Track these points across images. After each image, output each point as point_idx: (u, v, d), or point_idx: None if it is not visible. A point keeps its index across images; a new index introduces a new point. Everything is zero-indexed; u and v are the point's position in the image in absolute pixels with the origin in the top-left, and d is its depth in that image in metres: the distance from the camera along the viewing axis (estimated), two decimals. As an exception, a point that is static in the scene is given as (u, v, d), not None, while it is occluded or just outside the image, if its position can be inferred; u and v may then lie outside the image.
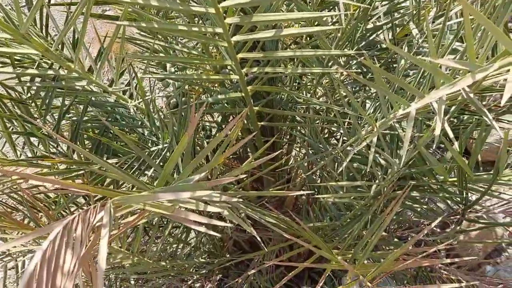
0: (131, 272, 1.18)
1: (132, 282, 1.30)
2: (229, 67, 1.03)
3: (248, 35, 0.81)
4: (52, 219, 0.75)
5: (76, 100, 1.07)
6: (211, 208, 0.55)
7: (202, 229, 0.52)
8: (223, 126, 1.45)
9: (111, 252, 0.93)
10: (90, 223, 0.52)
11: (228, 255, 1.46)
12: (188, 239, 1.29)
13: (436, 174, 1.01)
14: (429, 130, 0.80)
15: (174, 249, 1.20)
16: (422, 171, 1.00)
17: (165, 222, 1.26)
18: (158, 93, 1.16)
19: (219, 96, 1.07)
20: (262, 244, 1.60)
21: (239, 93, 1.06)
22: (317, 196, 1.03)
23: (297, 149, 1.45)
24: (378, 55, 1.41)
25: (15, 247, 1.07)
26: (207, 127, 1.45)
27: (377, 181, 0.97)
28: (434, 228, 1.60)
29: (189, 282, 1.50)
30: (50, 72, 0.92)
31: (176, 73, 1.09)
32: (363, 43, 1.26)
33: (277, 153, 0.95)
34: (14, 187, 0.80)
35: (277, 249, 1.35)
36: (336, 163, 1.13)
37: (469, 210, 1.14)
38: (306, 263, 0.94)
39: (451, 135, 0.66)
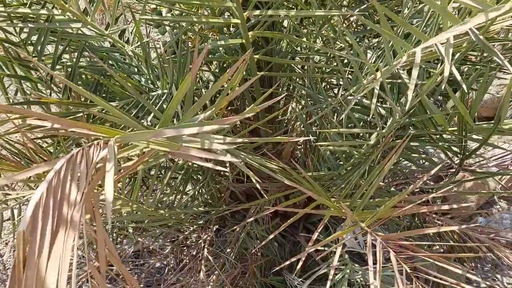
0: (129, 220, 1.18)
1: (130, 230, 1.31)
2: (230, 11, 1.00)
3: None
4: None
5: (70, 45, 1.03)
6: (216, 146, 0.54)
7: (209, 164, 0.51)
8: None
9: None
10: (93, 159, 0.51)
11: (225, 206, 1.47)
12: (186, 190, 1.29)
13: (436, 124, 1.00)
14: (435, 74, 0.78)
15: (172, 199, 1.20)
16: (422, 121, 1.00)
17: (163, 172, 1.26)
18: (156, 39, 1.13)
19: (218, 43, 1.04)
20: (260, 194, 1.62)
21: (239, 40, 1.03)
22: (315, 144, 1.03)
23: (296, 101, 1.44)
24: (382, 1, 1.38)
25: (9, 195, 1.06)
26: (205, 78, 1.42)
27: (377, 129, 0.97)
28: (428, 181, 1.63)
29: (186, 233, 1.52)
30: (43, 11, 0.89)
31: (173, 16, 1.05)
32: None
33: (275, 100, 0.93)
34: (11, 129, 0.78)
35: (274, 200, 1.36)
36: (336, 113, 1.12)
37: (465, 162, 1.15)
38: (306, 209, 0.95)
39: (458, 77, 0.65)
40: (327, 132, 1.08)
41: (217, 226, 1.44)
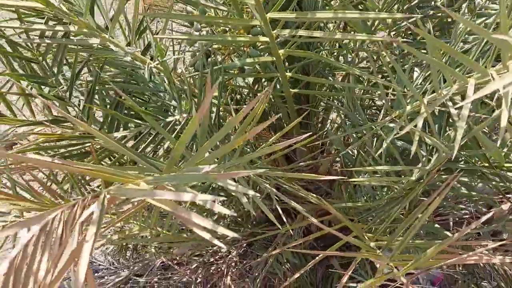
0: (151, 242, 1.14)
1: (153, 250, 1.27)
2: (258, 28, 0.91)
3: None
4: (56, 196, 0.69)
5: (91, 58, 0.98)
6: (219, 208, 0.46)
7: (207, 235, 0.43)
8: (255, 88, 1.34)
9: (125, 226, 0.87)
10: (76, 219, 0.45)
11: (254, 223, 1.39)
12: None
13: (491, 157, 0.87)
14: (490, 119, 0.66)
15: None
16: (474, 154, 0.87)
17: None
18: (183, 50, 1.06)
19: (247, 60, 0.95)
20: (292, 213, 1.53)
21: (269, 58, 0.94)
22: (349, 180, 0.93)
23: (333, 118, 1.33)
24: (433, 14, 1.24)
25: None
26: (237, 90, 1.34)
27: (420, 164, 0.85)
28: (479, 207, 1.47)
29: (213, 249, 1.46)
30: (59, 28, 0.84)
31: (200, 32, 0.98)
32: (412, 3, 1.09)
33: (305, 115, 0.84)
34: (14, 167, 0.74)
35: (305, 225, 1.27)
36: (376, 138, 1.01)
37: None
38: (334, 252, 0.86)
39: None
40: (364, 159, 0.97)
41: (245, 246, 1.37)
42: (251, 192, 0.55)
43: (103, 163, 0.92)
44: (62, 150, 0.79)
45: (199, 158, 0.67)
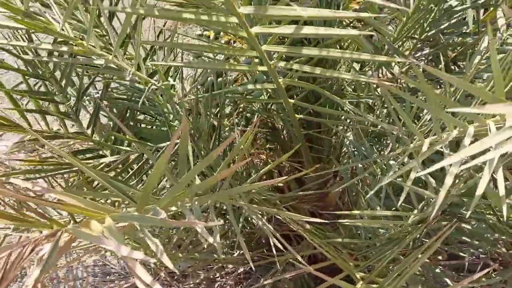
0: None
1: (152, 265, 1.28)
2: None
3: (268, 28, 0.67)
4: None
5: (100, 76, 1.00)
6: (168, 264, 0.45)
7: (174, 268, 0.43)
8: (267, 108, 1.33)
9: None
10: (22, 260, 0.45)
11: (253, 245, 1.38)
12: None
13: (495, 206, 0.82)
14: (477, 177, 0.62)
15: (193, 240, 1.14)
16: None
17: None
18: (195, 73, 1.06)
19: (249, 86, 0.94)
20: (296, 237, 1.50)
21: (271, 85, 0.93)
22: (342, 221, 0.90)
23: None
24: (456, 43, 1.18)
25: None
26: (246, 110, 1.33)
27: (419, 208, 0.81)
28: (499, 247, 1.39)
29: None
30: (65, 48, 0.86)
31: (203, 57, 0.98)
32: (433, 31, 1.04)
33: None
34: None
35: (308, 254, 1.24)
36: (380, 173, 0.98)
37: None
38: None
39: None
40: (363, 196, 0.94)
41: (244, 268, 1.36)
42: (212, 224, 0.53)
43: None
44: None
45: (178, 192, 0.66)
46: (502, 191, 0.49)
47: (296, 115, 1.06)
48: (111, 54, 0.90)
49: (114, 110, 1.01)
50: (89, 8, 0.90)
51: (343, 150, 1.32)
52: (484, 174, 0.47)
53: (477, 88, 0.53)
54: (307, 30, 0.59)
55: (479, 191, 0.46)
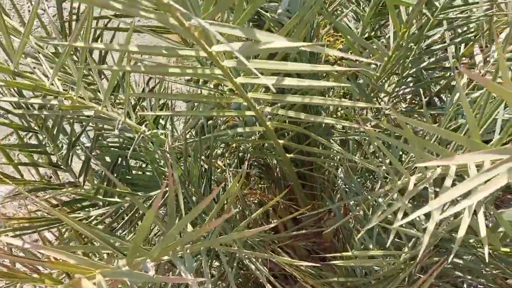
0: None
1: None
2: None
3: (251, 79, 0.69)
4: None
5: (91, 126, 1.02)
6: None
7: None
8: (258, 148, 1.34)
9: None
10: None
11: (251, 285, 1.37)
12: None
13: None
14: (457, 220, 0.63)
15: None
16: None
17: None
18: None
19: (239, 130, 0.96)
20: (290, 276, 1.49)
21: (259, 128, 0.95)
22: (336, 262, 0.90)
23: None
24: (438, 77, 1.21)
25: None
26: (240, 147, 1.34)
27: (409, 246, 0.82)
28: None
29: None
30: (54, 102, 0.88)
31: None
32: (414, 68, 1.07)
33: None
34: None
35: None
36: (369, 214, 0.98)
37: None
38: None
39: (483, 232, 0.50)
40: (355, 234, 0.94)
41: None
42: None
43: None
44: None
45: (168, 243, 0.67)
46: (483, 232, 0.50)
47: (287, 154, 1.08)
48: (100, 104, 0.92)
49: (106, 158, 1.02)
50: (78, 61, 0.92)
51: (335, 186, 1.32)
52: (463, 219, 0.48)
53: (453, 134, 0.54)
54: (290, 81, 0.61)
55: (461, 233, 0.47)
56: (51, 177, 1.02)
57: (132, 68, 0.65)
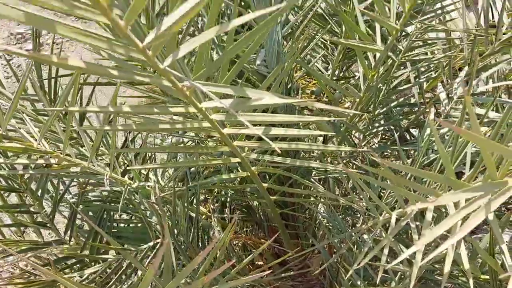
0: None
1: None
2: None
3: (238, 129, 0.73)
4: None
5: (75, 181, 1.02)
6: None
7: None
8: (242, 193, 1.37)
9: None
10: None
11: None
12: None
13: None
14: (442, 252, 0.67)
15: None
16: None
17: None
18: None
19: (223, 176, 0.99)
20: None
21: (244, 173, 0.98)
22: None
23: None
24: (407, 113, 1.29)
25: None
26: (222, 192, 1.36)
27: (395, 280, 0.85)
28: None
29: None
30: (40, 161, 0.88)
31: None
32: (384, 108, 1.14)
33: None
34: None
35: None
36: (356, 246, 1.02)
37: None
38: None
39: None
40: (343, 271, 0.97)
41: None
42: None
43: None
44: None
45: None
46: (466, 265, 0.54)
47: (270, 196, 1.10)
48: (86, 160, 0.93)
49: (90, 213, 1.02)
50: (64, 121, 0.94)
51: (317, 223, 1.35)
52: (447, 254, 0.51)
53: (428, 173, 0.59)
54: (276, 131, 0.65)
55: (447, 267, 0.51)
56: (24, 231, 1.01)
57: (123, 127, 0.68)
